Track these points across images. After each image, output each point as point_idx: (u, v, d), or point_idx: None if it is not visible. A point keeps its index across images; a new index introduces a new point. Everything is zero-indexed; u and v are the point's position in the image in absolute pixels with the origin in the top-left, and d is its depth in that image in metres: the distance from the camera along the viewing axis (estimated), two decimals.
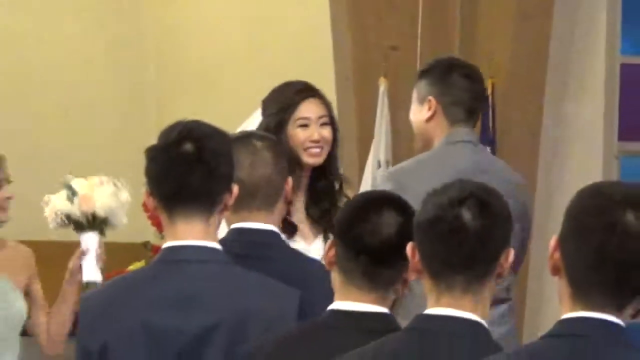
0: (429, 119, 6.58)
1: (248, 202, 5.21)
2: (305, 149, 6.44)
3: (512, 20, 10.62)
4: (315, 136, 6.47)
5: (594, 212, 3.58)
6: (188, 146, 4.80)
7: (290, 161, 5.99)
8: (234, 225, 5.30)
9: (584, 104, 11.01)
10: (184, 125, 4.90)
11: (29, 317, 7.21)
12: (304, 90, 6.51)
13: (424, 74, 6.77)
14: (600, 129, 10.87)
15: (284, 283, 4.91)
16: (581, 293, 3.58)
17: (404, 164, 6.58)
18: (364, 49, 10.62)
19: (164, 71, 14.63)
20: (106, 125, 14.26)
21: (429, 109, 6.57)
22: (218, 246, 4.90)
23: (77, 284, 7.08)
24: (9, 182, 7.09)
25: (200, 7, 13.96)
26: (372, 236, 4.29)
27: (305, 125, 6.46)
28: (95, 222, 7.00)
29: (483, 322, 3.96)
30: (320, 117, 6.49)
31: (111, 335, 4.79)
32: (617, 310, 3.58)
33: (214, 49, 13.44)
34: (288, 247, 5.67)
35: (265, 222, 5.38)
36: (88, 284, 6.96)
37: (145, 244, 10.72)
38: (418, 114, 6.64)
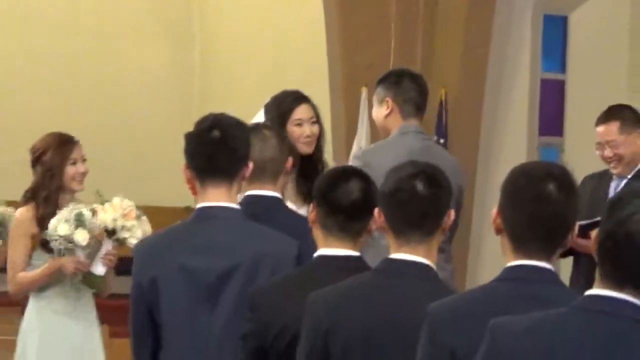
0: (387, 116, 6.57)
1: (259, 175, 5.16)
2: (300, 142, 6.42)
3: (460, 47, 10.84)
4: (307, 132, 6.46)
5: (525, 185, 3.55)
6: (216, 133, 4.84)
7: (290, 149, 6.00)
8: (248, 192, 5.27)
9: (513, 109, 11.19)
10: (214, 116, 4.94)
11: None
12: (298, 98, 6.51)
13: (381, 81, 6.71)
14: (524, 127, 11.10)
15: (285, 234, 4.90)
16: (519, 247, 3.55)
17: (368, 147, 6.50)
18: (350, 67, 10.79)
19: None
20: (155, 110, 14.04)
21: (387, 107, 6.55)
22: (237, 207, 4.91)
23: (54, 274, 6.59)
24: (84, 160, 6.76)
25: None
26: (345, 199, 4.28)
27: (299, 125, 6.46)
28: (114, 235, 6.60)
29: (432, 264, 3.95)
30: (310, 118, 6.49)
31: (157, 272, 4.81)
32: (547, 258, 3.56)
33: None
34: (287, 208, 5.63)
35: (272, 191, 5.37)
36: (91, 277, 6.62)
37: (187, 208, 9.54)
38: (378, 112, 6.61)
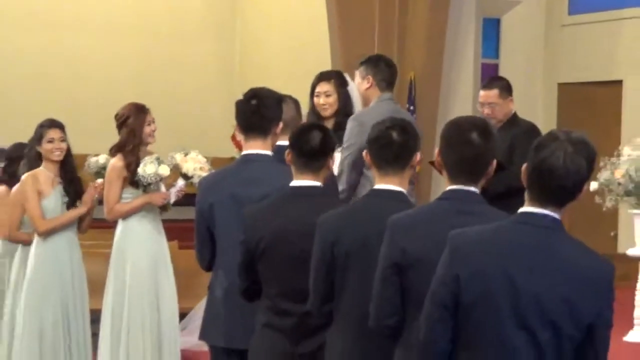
0: (367, 89, 6.32)
1: (285, 130, 4.95)
2: (318, 108, 6.34)
3: (424, 42, 10.82)
4: (322, 102, 6.34)
5: (455, 133, 3.48)
6: (254, 102, 4.79)
7: (316, 114, 6.26)
8: (278, 143, 5.03)
9: (462, 85, 11.23)
10: (253, 90, 4.86)
11: None
12: (318, 77, 6.39)
13: (363, 62, 6.45)
14: (470, 98, 11.02)
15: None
16: (454, 177, 3.48)
17: (360, 111, 6.30)
18: (346, 57, 10.55)
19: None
20: (206, 85, 13.79)
21: (368, 82, 6.31)
22: (270, 153, 4.85)
23: (144, 206, 6.54)
24: (154, 122, 6.56)
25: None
26: (308, 144, 4.21)
27: (317, 96, 6.35)
28: (189, 179, 6.51)
29: (404, 191, 3.86)
30: (325, 92, 6.35)
31: (214, 199, 4.77)
32: (474, 184, 3.48)
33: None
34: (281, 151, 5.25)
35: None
36: (168, 203, 6.56)
37: (232, 158, 9.78)
38: (361, 85, 6.36)
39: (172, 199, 6.58)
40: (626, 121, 11.14)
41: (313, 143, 4.24)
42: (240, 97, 4.93)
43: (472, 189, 3.50)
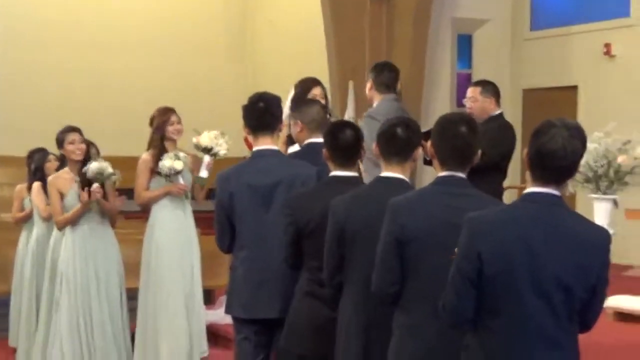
0: (369, 90, 6.21)
1: (315, 128, 4.84)
2: None
3: (409, 55, 10.77)
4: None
5: (447, 127, 3.43)
6: (261, 104, 4.71)
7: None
8: (307, 141, 4.90)
9: (440, 91, 11.21)
10: (259, 94, 4.76)
11: None
12: (314, 82, 6.14)
13: (371, 70, 6.33)
14: (447, 100, 11.15)
15: (308, 164, 4.74)
16: (445, 164, 3.43)
17: (372, 109, 6.17)
18: (340, 68, 10.71)
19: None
20: (221, 93, 13.57)
21: (370, 85, 6.19)
22: (277, 148, 4.83)
23: (166, 194, 6.38)
24: (179, 122, 6.43)
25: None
26: (343, 141, 4.13)
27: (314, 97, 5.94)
28: (211, 151, 6.30)
29: (406, 179, 3.80)
30: (320, 94, 6.04)
31: (233, 189, 4.70)
32: (462, 170, 3.43)
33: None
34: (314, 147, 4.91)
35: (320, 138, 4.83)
36: (199, 178, 6.40)
37: (244, 157, 10.16)
38: (366, 87, 6.25)
39: (205, 174, 6.43)
40: (581, 120, 10.85)
41: (347, 139, 4.15)
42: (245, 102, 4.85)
43: (461, 174, 3.45)
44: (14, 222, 7.85)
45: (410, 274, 3.42)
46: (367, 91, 6.34)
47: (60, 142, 6.57)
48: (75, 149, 6.50)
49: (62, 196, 6.52)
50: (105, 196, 6.44)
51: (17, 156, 10.96)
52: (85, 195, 6.36)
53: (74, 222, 6.48)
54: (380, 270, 3.48)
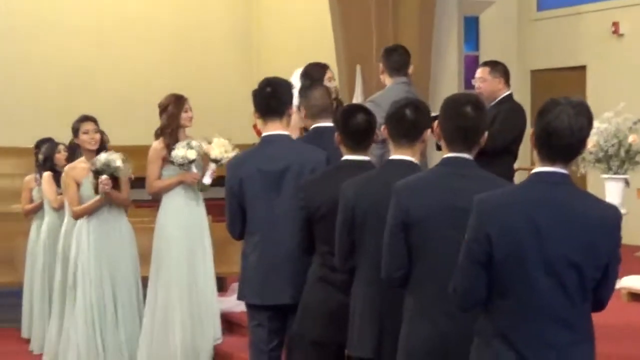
0: (381, 74, 6.23)
1: (318, 114, 4.92)
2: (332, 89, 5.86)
3: (416, 39, 10.58)
4: (333, 84, 6.24)
5: (452, 107, 3.40)
6: (269, 89, 4.71)
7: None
8: (314, 125, 4.97)
9: (448, 73, 11.05)
10: (267, 79, 4.76)
11: None
12: (324, 67, 6.24)
13: (382, 54, 6.35)
14: (455, 83, 11.01)
15: (318, 148, 4.74)
16: (451, 145, 3.40)
17: (377, 94, 6.23)
18: (349, 52, 10.63)
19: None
20: (227, 80, 13.51)
21: (381, 69, 6.21)
22: (287, 133, 4.80)
23: (179, 183, 6.41)
24: (191, 109, 6.40)
25: None
26: (356, 125, 4.11)
27: (330, 80, 6.16)
28: (218, 162, 6.31)
29: (416, 161, 3.77)
30: (330, 78, 6.24)
31: (243, 175, 4.69)
32: (468, 152, 3.40)
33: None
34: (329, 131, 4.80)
35: (329, 122, 4.86)
36: (202, 184, 6.40)
37: (253, 144, 9.92)
38: (379, 71, 6.27)
39: (208, 181, 6.45)
40: (590, 100, 10.10)
41: (359, 123, 4.12)
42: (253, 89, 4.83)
43: (467, 155, 3.40)
44: (24, 213, 7.87)
45: (417, 257, 3.39)
46: (379, 73, 6.33)
47: (75, 132, 6.56)
48: (89, 139, 6.49)
49: (78, 186, 6.50)
50: (117, 186, 6.41)
51: (19, 147, 11.27)
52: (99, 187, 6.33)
53: (90, 213, 6.47)
54: (387, 255, 3.46)
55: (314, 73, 6.12)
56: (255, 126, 11.44)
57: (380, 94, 6.13)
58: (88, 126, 6.51)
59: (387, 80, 6.22)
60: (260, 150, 4.78)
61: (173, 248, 6.35)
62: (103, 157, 6.35)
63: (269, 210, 4.66)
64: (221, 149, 6.40)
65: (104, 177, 6.30)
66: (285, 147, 4.71)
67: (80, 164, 6.53)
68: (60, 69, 12.82)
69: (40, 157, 7.59)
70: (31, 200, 7.72)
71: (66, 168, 6.63)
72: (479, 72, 6.64)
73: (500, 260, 2.89)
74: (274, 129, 4.73)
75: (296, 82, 5.91)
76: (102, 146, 6.53)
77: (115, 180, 6.37)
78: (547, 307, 2.87)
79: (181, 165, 6.34)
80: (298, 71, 6.29)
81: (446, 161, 3.42)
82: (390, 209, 3.44)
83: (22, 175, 8.29)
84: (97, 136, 6.52)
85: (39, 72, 12.74)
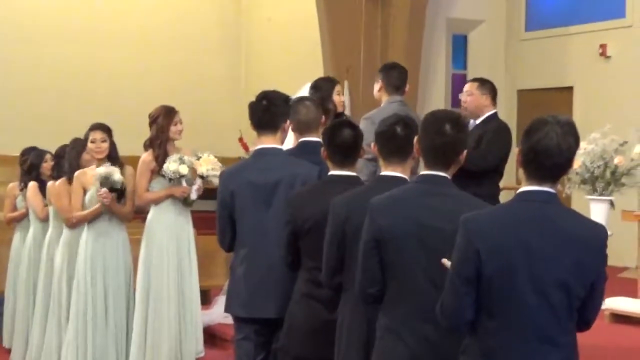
0: (378, 91, 6.23)
1: (304, 129, 4.93)
2: (338, 104, 6.09)
3: (404, 56, 10.50)
4: (342, 100, 6.24)
5: (431, 123, 3.39)
6: (264, 102, 4.72)
7: (330, 109, 5.89)
8: (302, 139, 4.98)
9: (436, 91, 11.16)
10: (264, 92, 4.77)
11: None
12: (334, 82, 6.25)
13: (380, 69, 6.37)
14: (442, 100, 11.11)
15: (310, 163, 4.73)
16: (428, 163, 3.40)
17: (371, 111, 6.19)
18: (337, 65, 10.68)
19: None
20: (216, 93, 13.46)
21: (379, 86, 6.21)
22: (281, 147, 4.83)
23: (168, 197, 6.42)
24: (181, 122, 6.43)
25: None
26: (341, 140, 4.12)
27: (338, 95, 6.12)
28: (204, 179, 6.34)
29: (406, 177, 3.73)
30: (339, 92, 6.21)
31: (234, 187, 4.69)
32: (444, 170, 3.39)
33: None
34: (315, 145, 4.91)
35: (316, 137, 4.89)
36: (188, 198, 6.43)
37: (239, 157, 9.97)
38: (375, 87, 6.28)
39: (194, 196, 6.48)
40: (577, 121, 10.28)
41: (345, 139, 4.14)
42: (246, 104, 4.84)
43: (442, 174, 3.40)
44: (5, 222, 7.82)
45: (391, 276, 3.39)
46: (375, 92, 6.33)
47: (85, 139, 6.54)
48: (95, 147, 6.46)
49: (84, 192, 6.49)
50: (123, 198, 6.43)
51: (4, 155, 11.20)
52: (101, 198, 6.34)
53: (87, 221, 6.45)
54: (360, 271, 3.46)
55: (322, 86, 6.17)
56: (241, 139, 11.58)
57: (377, 111, 6.15)
58: (96, 135, 6.48)
59: (384, 97, 6.24)
60: (253, 163, 4.80)
61: (164, 259, 6.37)
62: (102, 170, 6.35)
63: (259, 223, 4.67)
64: (209, 166, 6.41)
65: (103, 190, 6.31)
66: (277, 161, 4.73)
67: (91, 171, 6.51)
68: (48, 76, 12.80)
69: (26, 165, 7.56)
70: (15, 209, 7.68)
71: (77, 173, 6.58)
72: (467, 86, 6.66)
73: (488, 277, 2.89)
74: (268, 142, 4.76)
75: (306, 94, 5.94)
76: (112, 156, 6.50)
77: (121, 192, 6.39)
78: (534, 325, 2.87)
79: (171, 179, 6.36)
80: (308, 84, 6.33)
81: (422, 178, 3.43)
82: (364, 226, 3.45)
83: (6, 183, 8.25)
84: (104, 145, 6.47)
85: (26, 80, 12.70)
